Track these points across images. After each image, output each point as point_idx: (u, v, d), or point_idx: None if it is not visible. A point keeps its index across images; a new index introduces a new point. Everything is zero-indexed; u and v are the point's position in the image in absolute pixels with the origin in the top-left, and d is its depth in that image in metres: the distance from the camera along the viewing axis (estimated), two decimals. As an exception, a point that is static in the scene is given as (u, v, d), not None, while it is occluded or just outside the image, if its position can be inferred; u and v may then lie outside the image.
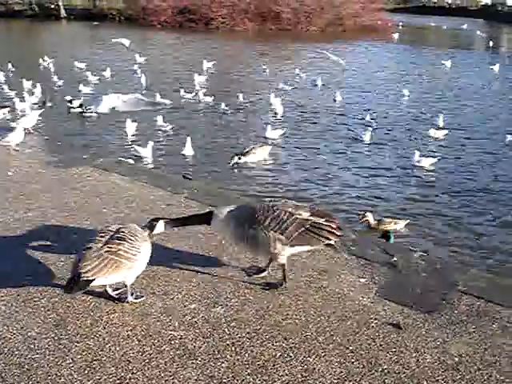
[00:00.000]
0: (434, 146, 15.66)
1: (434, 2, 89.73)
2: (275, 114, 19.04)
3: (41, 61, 28.50)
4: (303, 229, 4.74)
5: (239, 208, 5.06)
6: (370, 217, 9.70)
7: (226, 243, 5.74)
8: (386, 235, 8.82)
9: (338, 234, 4.83)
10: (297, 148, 15.24)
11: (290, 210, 4.81)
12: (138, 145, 14.76)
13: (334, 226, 4.82)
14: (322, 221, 4.81)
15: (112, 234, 4.56)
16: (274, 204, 4.89)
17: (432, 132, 16.21)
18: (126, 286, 4.70)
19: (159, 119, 16.83)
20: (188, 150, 14.32)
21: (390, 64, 33.96)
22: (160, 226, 5.02)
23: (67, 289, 4.29)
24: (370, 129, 15.98)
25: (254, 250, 5.03)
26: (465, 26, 61.65)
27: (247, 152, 13.79)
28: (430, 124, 17.53)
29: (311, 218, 4.81)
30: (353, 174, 13.08)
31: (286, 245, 4.78)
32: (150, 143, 13.86)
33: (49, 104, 18.78)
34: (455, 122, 18.39)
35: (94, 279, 4.27)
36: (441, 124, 17.41)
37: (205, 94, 21.39)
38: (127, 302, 4.72)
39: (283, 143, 15.69)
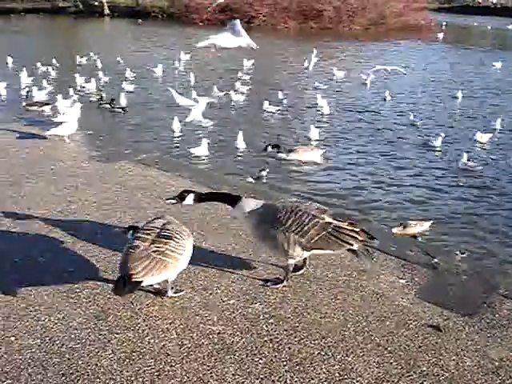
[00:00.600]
0: (481, 149, 15.26)
1: (479, 2, 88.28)
2: (322, 114, 18.72)
3: (84, 57, 28.85)
4: (325, 232, 4.69)
5: (263, 206, 5.02)
6: (396, 230, 9.46)
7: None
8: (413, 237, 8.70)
9: (361, 238, 4.74)
10: (344, 149, 14.96)
11: (313, 212, 4.77)
12: (183, 141, 14.95)
13: (357, 229, 4.77)
14: (344, 225, 4.76)
15: (158, 230, 4.57)
16: (297, 205, 4.85)
17: (478, 136, 15.79)
18: (167, 281, 4.74)
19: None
20: (240, 144, 14.30)
21: (437, 64, 33.22)
22: (189, 199, 5.10)
23: (118, 290, 4.30)
24: (442, 134, 15.39)
25: (273, 249, 5.01)
26: (510, 27, 60.47)
27: (294, 150, 13.58)
28: (483, 127, 17.00)
29: (334, 221, 4.76)
30: (397, 176, 12.87)
31: (305, 248, 4.77)
32: (205, 141, 13.79)
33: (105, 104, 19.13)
34: (507, 125, 17.82)
35: (143, 280, 4.29)
36: (497, 127, 16.88)
37: (244, 93, 21.37)
38: (167, 296, 4.76)
39: (330, 144, 15.43)
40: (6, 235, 5.94)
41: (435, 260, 5.61)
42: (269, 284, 5.04)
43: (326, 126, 17.34)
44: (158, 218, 4.87)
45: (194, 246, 4.82)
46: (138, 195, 7.21)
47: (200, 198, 5.17)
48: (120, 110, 18.24)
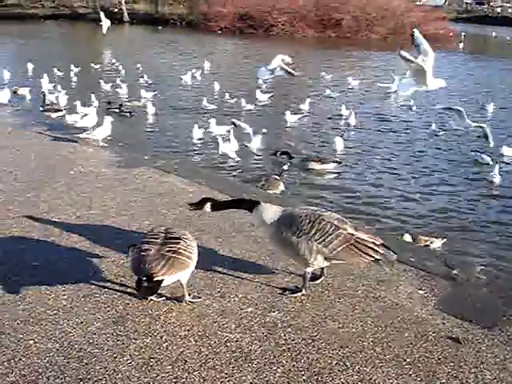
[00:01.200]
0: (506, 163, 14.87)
1: (498, 13, 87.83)
2: (348, 125, 18.41)
3: (105, 64, 29.15)
4: (348, 244, 4.68)
5: (284, 212, 4.99)
6: (407, 238, 9.30)
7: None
8: None
9: (381, 251, 4.72)
10: (366, 159, 14.72)
11: (335, 222, 4.76)
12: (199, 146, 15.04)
13: (377, 242, 4.76)
14: (366, 237, 4.75)
15: (163, 235, 4.63)
16: (320, 214, 4.83)
17: (504, 149, 15.41)
18: (182, 286, 4.74)
19: (212, 122, 16.82)
20: (258, 150, 14.62)
21: (462, 74, 32.87)
22: (207, 207, 5.14)
23: (142, 291, 4.37)
24: (487, 159, 14.82)
25: (293, 256, 5.00)
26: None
27: (310, 160, 13.60)
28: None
29: (356, 233, 4.75)
30: (419, 187, 12.74)
31: (326, 258, 4.76)
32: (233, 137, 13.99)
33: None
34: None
35: (163, 279, 4.32)
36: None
37: (264, 101, 21.38)
38: (185, 301, 4.77)
39: (353, 154, 15.25)
40: (25, 239, 5.98)
41: (454, 271, 5.57)
42: (287, 293, 5.03)
43: (352, 137, 17.16)
44: (159, 227, 4.94)
45: (210, 253, 4.84)
46: (156, 201, 7.23)
47: (217, 206, 5.19)
48: (127, 114, 18.37)
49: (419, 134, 17.89)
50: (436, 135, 17.40)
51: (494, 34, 63.85)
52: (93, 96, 19.59)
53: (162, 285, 4.40)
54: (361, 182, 12.98)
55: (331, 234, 4.68)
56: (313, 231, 4.70)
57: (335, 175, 13.33)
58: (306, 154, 14.39)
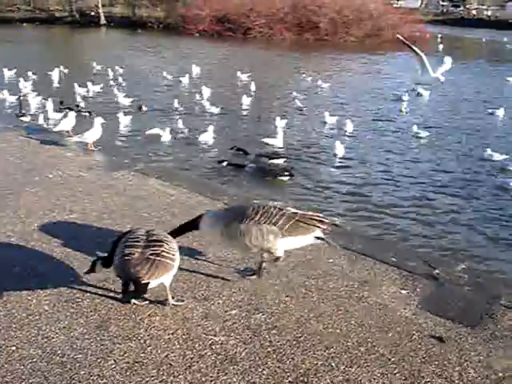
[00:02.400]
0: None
1: (474, 15, 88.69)
2: (345, 132, 17.91)
3: (85, 67, 29.03)
4: (294, 221, 4.92)
5: (230, 209, 5.33)
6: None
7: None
8: None
9: (327, 221, 5.06)
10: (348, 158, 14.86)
11: (278, 206, 5.08)
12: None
13: (320, 216, 5.10)
14: (309, 213, 5.07)
15: (145, 237, 4.59)
16: (263, 203, 5.21)
17: (488, 152, 15.22)
18: (165, 289, 4.71)
19: (179, 123, 16.77)
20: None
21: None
22: None
23: (129, 295, 4.36)
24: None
25: (247, 245, 4.99)
26: (505, 39, 60.66)
27: (263, 155, 13.86)
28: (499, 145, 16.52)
29: (299, 211, 5.06)
30: (401, 186, 12.79)
31: (278, 236, 4.90)
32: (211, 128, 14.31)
33: (144, 108, 19.84)
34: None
35: (149, 282, 4.29)
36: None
37: (248, 105, 21.46)
38: (168, 304, 4.74)
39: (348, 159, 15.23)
40: (5, 244, 5.91)
41: (436, 271, 5.61)
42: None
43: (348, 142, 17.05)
44: (138, 229, 4.87)
45: (194, 256, 4.82)
46: (137, 205, 7.18)
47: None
48: (87, 113, 18.16)
49: (409, 136, 17.86)
50: (418, 137, 17.42)
51: (469, 35, 64.13)
52: (68, 99, 19.57)
53: (150, 287, 4.36)
54: (347, 179, 13.10)
55: (276, 215, 4.93)
56: (259, 215, 4.92)
57: (318, 182, 13.35)
58: (260, 151, 14.56)
